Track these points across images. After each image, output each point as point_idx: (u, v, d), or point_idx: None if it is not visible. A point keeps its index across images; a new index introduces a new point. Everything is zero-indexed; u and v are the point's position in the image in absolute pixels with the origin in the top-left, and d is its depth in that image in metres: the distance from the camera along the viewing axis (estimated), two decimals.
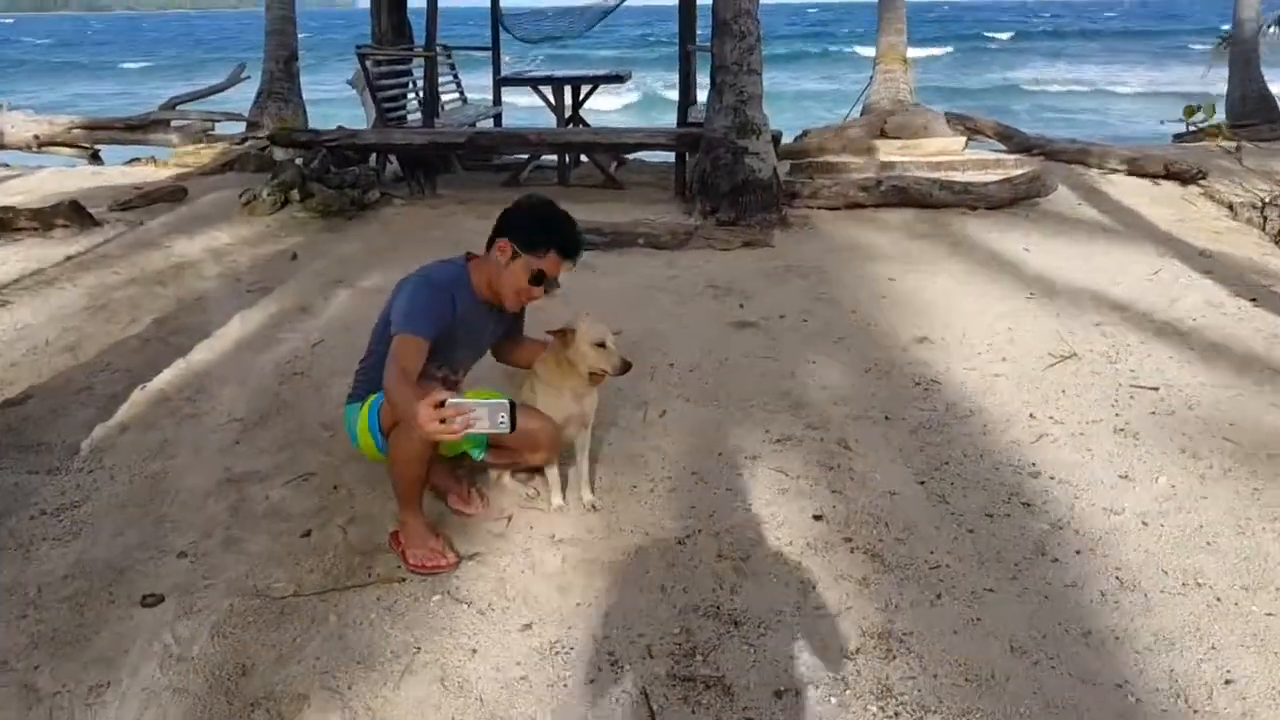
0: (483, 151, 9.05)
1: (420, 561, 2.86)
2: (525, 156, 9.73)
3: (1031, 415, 3.97)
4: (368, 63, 8.32)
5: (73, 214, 6.98)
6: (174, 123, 11.42)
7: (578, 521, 3.17)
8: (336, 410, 3.42)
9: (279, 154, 8.46)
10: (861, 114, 12.47)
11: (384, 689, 2.38)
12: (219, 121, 11.39)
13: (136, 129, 11.23)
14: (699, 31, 9.64)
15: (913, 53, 12.91)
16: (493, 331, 3.17)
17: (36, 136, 11.04)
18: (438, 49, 9.81)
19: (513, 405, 2.29)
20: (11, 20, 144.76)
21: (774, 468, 3.53)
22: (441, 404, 2.27)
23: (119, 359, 4.57)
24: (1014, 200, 7.90)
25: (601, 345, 2.99)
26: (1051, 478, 3.44)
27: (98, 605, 2.70)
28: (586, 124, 10.15)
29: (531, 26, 11.21)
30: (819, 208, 8.14)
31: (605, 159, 9.62)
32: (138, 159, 10.60)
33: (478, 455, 3.06)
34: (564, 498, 3.26)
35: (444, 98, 10.07)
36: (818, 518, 3.18)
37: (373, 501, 3.24)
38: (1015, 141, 10.73)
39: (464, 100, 10.74)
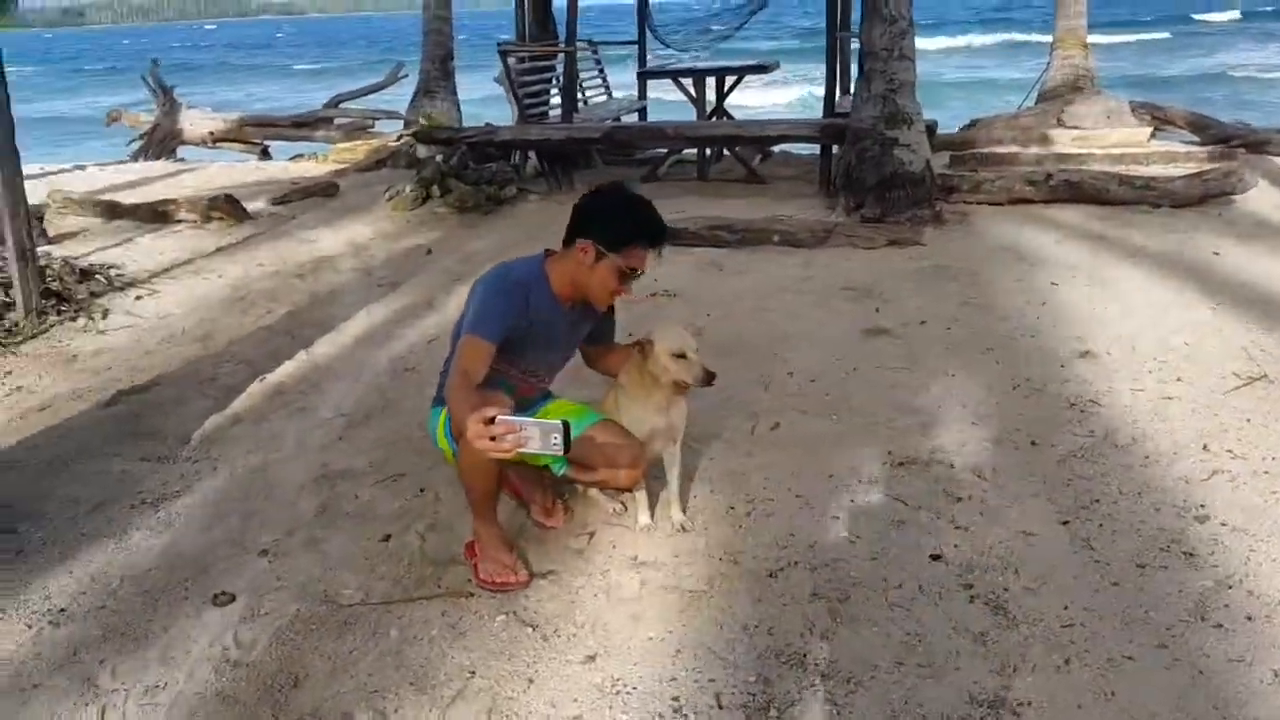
0: (620, 146, 8.92)
1: (490, 577, 2.71)
2: (664, 151, 9.56)
3: (1205, 447, 3.45)
4: (509, 60, 8.33)
5: (228, 207, 7.28)
6: (336, 120, 11.88)
7: (663, 544, 2.94)
8: None
9: (422, 151, 8.61)
10: (1037, 102, 11.66)
11: (430, 714, 2.22)
12: (378, 119, 11.77)
13: (302, 126, 11.76)
14: (853, 16, 9.21)
15: (1101, 38, 11.95)
16: (575, 332, 2.96)
17: (211, 133, 11.72)
18: (580, 44, 9.74)
19: (567, 427, 2.09)
20: (214, 26, 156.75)
21: (892, 495, 3.19)
22: (492, 420, 2.10)
23: (246, 350, 4.66)
24: (1204, 198, 7.11)
25: (681, 356, 2.75)
26: (1223, 524, 2.95)
27: (172, 600, 2.68)
28: (731, 117, 9.87)
29: (679, 30, 10.99)
30: (979, 203, 7.59)
31: (748, 153, 9.32)
32: (300, 155, 11.07)
33: (558, 469, 2.88)
34: (652, 516, 3.04)
35: (588, 93, 10.02)
36: (935, 557, 2.83)
37: (456, 508, 3.11)
38: (1211, 132, 9.75)
39: (609, 95, 10.66)
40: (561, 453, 2.08)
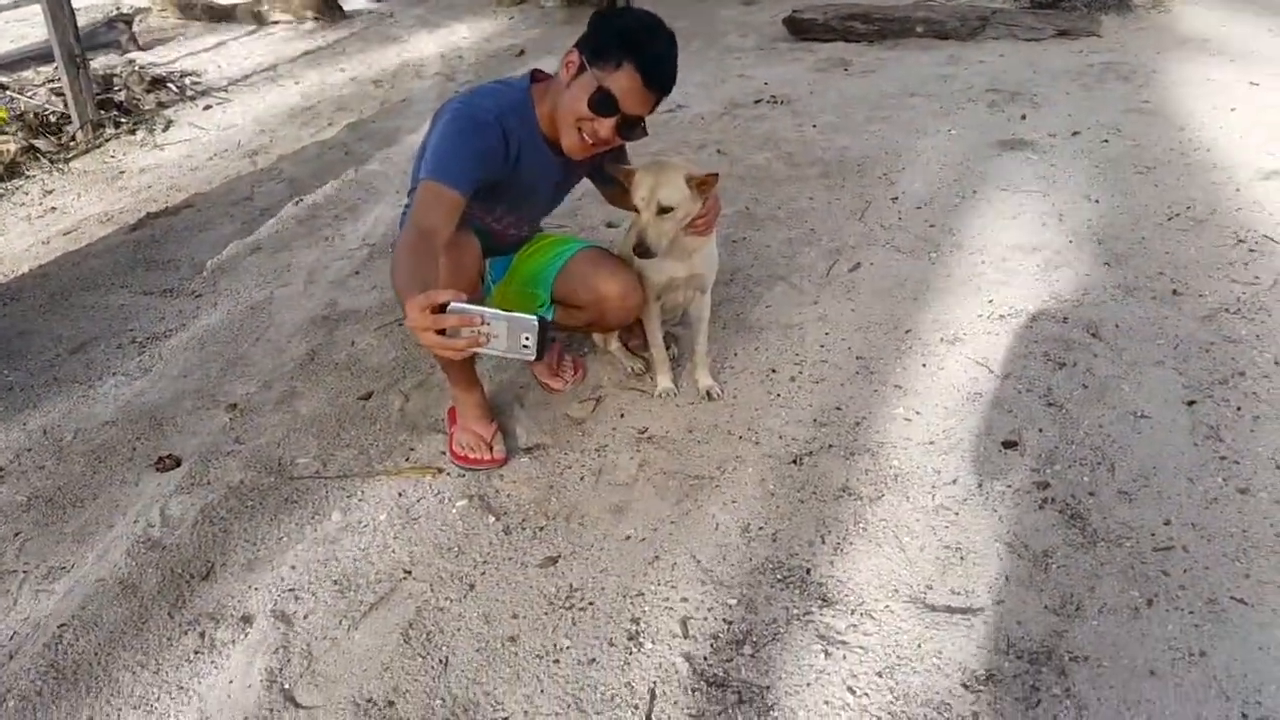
0: None
1: (461, 452, 2.30)
2: None
3: None
4: None
5: (322, 5, 6.83)
6: None
7: (680, 414, 2.44)
8: None
9: None
10: None
11: (340, 624, 1.88)
12: None
13: None
14: None
15: None
16: (568, 180, 2.33)
17: None
18: None
19: (543, 324, 1.53)
20: None
21: (976, 358, 2.55)
22: (443, 307, 1.55)
23: (294, 167, 4.31)
24: None
25: (666, 210, 2.14)
26: None
27: (116, 462, 2.42)
28: None
29: None
30: None
31: None
32: None
33: (545, 312, 2.39)
34: (674, 380, 2.54)
35: None
36: (1010, 445, 2.21)
37: None
38: None
39: None
40: (534, 356, 1.55)
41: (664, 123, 4.55)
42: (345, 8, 7.07)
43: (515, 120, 2.07)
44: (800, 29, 5.62)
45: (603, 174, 2.35)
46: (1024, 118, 4.23)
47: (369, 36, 6.58)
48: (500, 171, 2.06)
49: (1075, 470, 2.11)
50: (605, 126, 2.01)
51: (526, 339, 1.53)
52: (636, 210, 2.16)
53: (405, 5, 7.34)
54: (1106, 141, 3.90)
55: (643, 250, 2.13)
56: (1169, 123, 4.03)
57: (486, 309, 1.52)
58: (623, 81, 1.97)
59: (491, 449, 2.30)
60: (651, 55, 1.98)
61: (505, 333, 1.52)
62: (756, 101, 4.73)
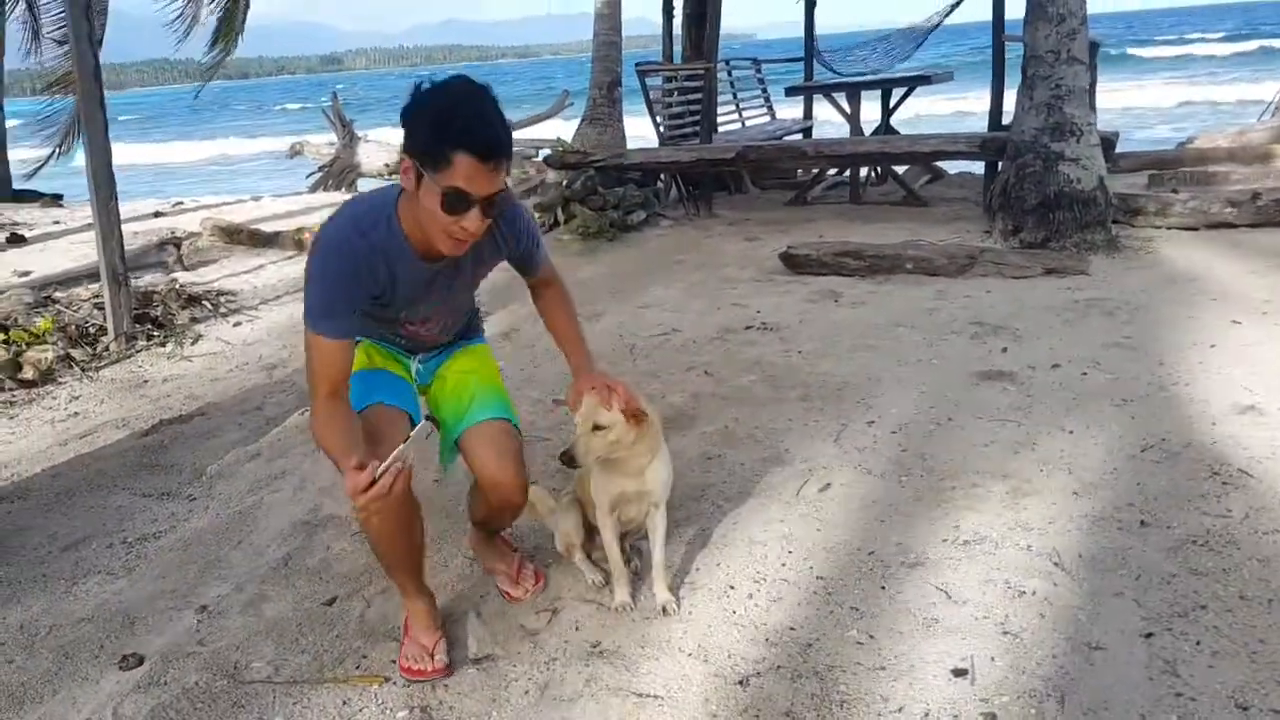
0: (755, 168, 8.40)
1: (406, 663, 2.32)
2: (833, 171, 8.97)
3: None
4: (647, 79, 8.02)
5: None
6: None
7: (634, 630, 2.45)
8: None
9: (553, 176, 8.42)
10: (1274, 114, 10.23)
11: None
12: (542, 149, 11.77)
13: None
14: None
15: None
16: (462, 273, 2.24)
17: (386, 164, 12.11)
18: (741, 62, 9.35)
19: (432, 420, 1.98)
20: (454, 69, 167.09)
21: (937, 584, 2.56)
22: (372, 477, 1.86)
23: (305, 381, 4.53)
24: None
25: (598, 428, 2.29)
26: None
27: (82, 658, 2.46)
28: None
29: (848, 60, 10.32)
30: (1169, 228, 6.58)
31: (912, 173, 8.58)
32: None
33: (448, 466, 2.54)
34: (632, 594, 2.57)
35: (747, 113, 9.58)
36: (960, 673, 2.19)
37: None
38: None
39: (771, 116, 10.16)
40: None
41: (658, 345, 4.77)
42: None
43: (382, 232, 2.04)
44: (795, 264, 5.94)
45: (524, 267, 2.40)
46: (1005, 350, 4.38)
47: None
48: (377, 285, 2.07)
49: (1023, 702, 2.08)
50: (470, 220, 1.92)
51: (429, 430, 1.93)
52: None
53: None
54: (1085, 374, 4.01)
55: (568, 459, 2.25)
56: (1149, 358, 4.15)
57: (397, 449, 1.86)
58: (461, 172, 1.86)
59: (433, 658, 2.31)
60: (476, 135, 1.86)
61: (412, 447, 1.88)
62: (747, 328, 4.96)
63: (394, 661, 2.36)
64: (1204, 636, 2.25)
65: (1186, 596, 2.41)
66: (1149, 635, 2.27)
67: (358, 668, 2.36)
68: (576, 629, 2.47)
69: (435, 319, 2.38)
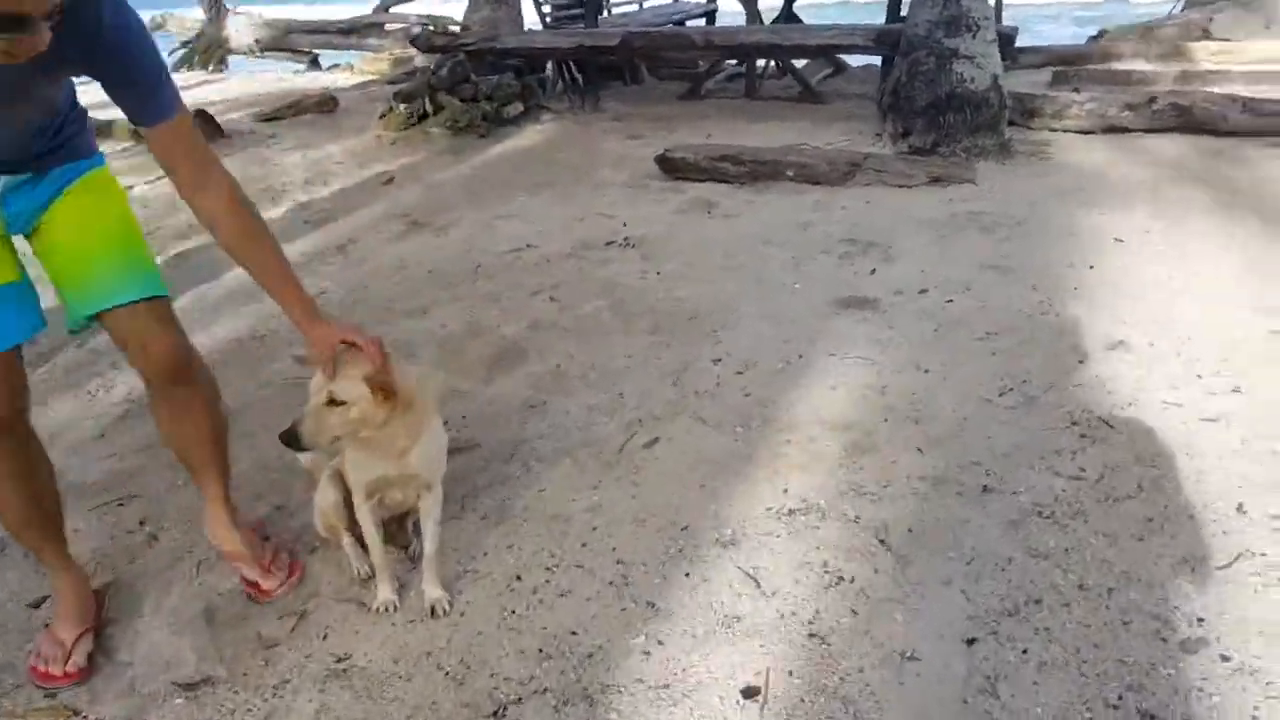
0: (639, 55, 7.81)
1: (37, 664, 1.95)
2: (732, 62, 8.41)
3: (1241, 508, 2.36)
4: None
5: (200, 124, 6.62)
6: (387, 26, 11.06)
7: (391, 637, 2.09)
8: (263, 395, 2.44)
9: (420, 60, 7.71)
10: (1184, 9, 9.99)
11: None
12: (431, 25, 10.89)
13: (350, 33, 10.98)
14: None
15: None
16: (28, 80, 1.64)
17: (258, 40, 11.10)
18: None
19: None
20: None
21: (748, 569, 2.25)
22: None
23: None
24: None
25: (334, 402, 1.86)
26: (1225, 659, 1.90)
27: None
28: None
29: None
30: (1066, 131, 6.28)
31: (814, 67, 8.09)
32: (336, 65, 10.38)
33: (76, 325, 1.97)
34: (397, 591, 2.20)
35: None
36: (751, 693, 1.89)
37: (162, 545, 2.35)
38: None
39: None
40: None
41: (507, 265, 4.32)
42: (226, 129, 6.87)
43: None
44: (673, 168, 5.49)
45: (133, 111, 1.76)
46: (873, 272, 4.05)
47: (242, 158, 6.36)
48: None
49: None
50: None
51: None
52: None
53: (290, 128, 7.17)
54: (951, 301, 3.71)
55: (291, 438, 1.81)
56: (1022, 282, 3.86)
57: None
58: None
59: (70, 658, 1.93)
60: None
61: None
62: (608, 244, 4.53)
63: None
64: (1032, 643, 1.98)
65: (1021, 588, 2.14)
66: (972, 641, 1.99)
67: (44, 696, 1.96)
68: (324, 637, 2.10)
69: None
